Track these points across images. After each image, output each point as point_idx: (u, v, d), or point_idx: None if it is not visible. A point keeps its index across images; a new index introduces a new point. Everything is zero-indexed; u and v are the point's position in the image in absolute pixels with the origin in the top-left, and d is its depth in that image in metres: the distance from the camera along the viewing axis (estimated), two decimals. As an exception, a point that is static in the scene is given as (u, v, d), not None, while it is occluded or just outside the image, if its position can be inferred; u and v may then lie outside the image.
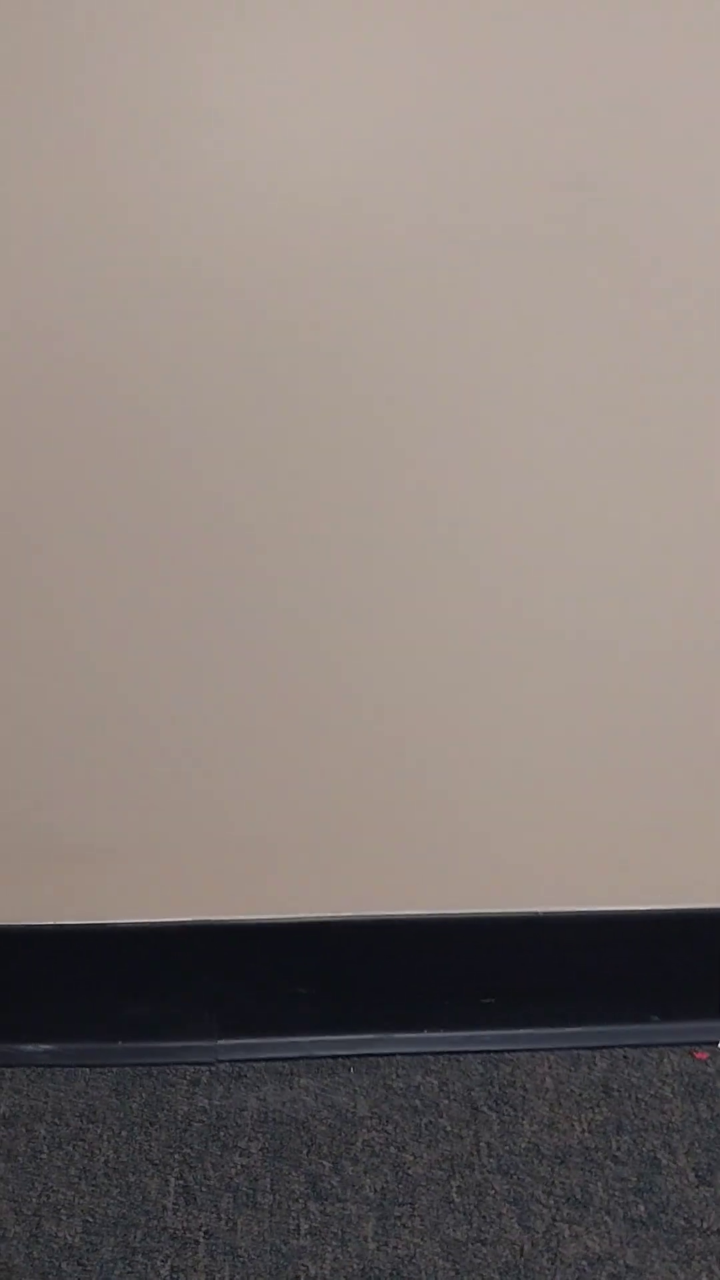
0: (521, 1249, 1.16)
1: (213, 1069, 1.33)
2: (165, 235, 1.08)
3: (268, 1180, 1.21)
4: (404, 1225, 1.17)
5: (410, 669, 1.25)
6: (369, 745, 1.28)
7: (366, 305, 1.11)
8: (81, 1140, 1.24)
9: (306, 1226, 1.17)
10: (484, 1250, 1.16)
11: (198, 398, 1.14)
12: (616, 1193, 1.21)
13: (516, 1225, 1.18)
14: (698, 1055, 1.36)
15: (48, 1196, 1.18)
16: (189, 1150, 1.23)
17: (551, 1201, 1.20)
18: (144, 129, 1.05)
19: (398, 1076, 1.33)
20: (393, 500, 1.18)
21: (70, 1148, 1.23)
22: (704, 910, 1.36)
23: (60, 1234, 1.16)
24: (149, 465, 1.16)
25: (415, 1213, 1.18)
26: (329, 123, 1.07)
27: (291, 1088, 1.32)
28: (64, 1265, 1.13)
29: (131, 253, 1.08)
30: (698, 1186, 1.21)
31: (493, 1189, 1.21)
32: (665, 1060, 1.36)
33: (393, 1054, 1.36)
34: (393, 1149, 1.24)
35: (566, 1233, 1.17)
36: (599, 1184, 1.22)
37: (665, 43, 1.04)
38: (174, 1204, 1.18)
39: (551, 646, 1.26)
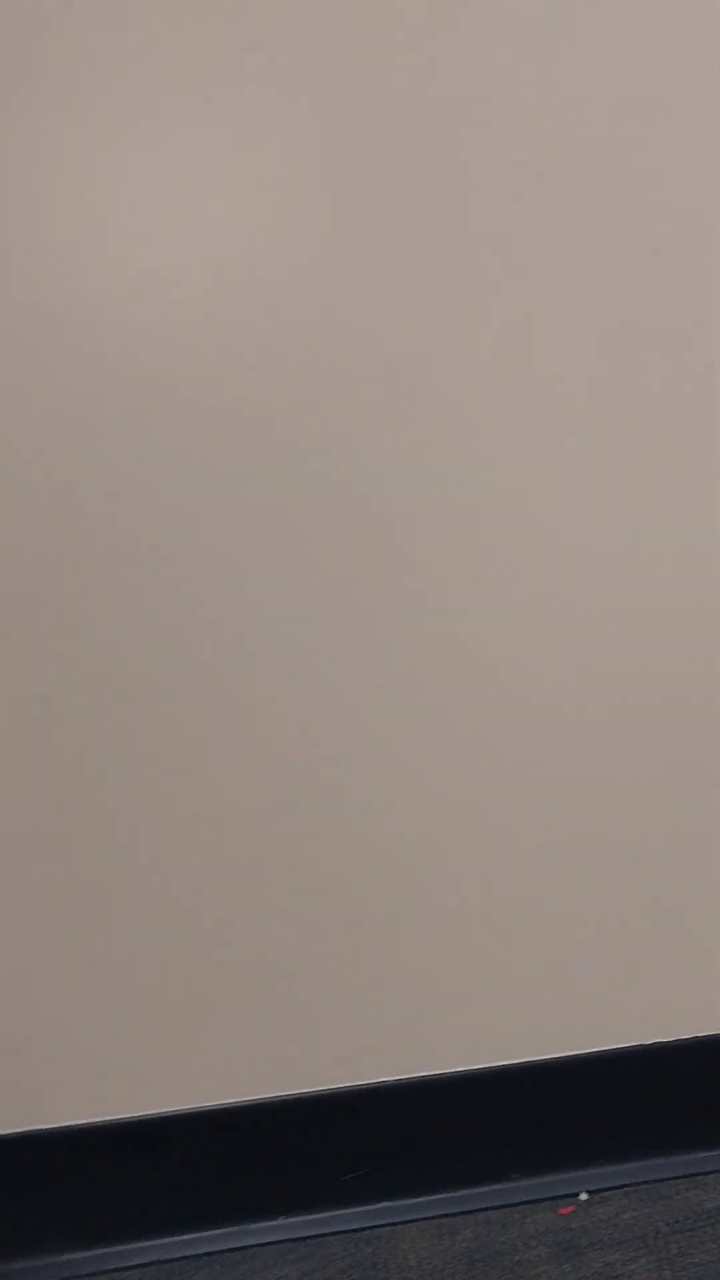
0: None
1: (59, 1288, 1.26)
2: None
3: None
4: None
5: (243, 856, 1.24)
6: (181, 934, 1.25)
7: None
8: None
9: None
10: None
11: None
12: None
13: None
14: (562, 1211, 1.33)
15: None
16: None
17: None
18: None
19: (255, 1273, 1.27)
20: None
21: None
22: (556, 1060, 1.34)
23: None
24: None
25: None
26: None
27: (143, 1300, 1.25)
28: None
29: None
30: None
31: None
32: (529, 1220, 1.32)
33: (251, 1246, 1.30)
34: None
35: None
36: None
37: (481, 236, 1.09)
38: None
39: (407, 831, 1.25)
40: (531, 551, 1.22)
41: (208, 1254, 1.29)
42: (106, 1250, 1.28)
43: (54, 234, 1.07)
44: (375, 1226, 1.32)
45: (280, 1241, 1.30)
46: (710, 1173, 1.37)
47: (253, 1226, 1.31)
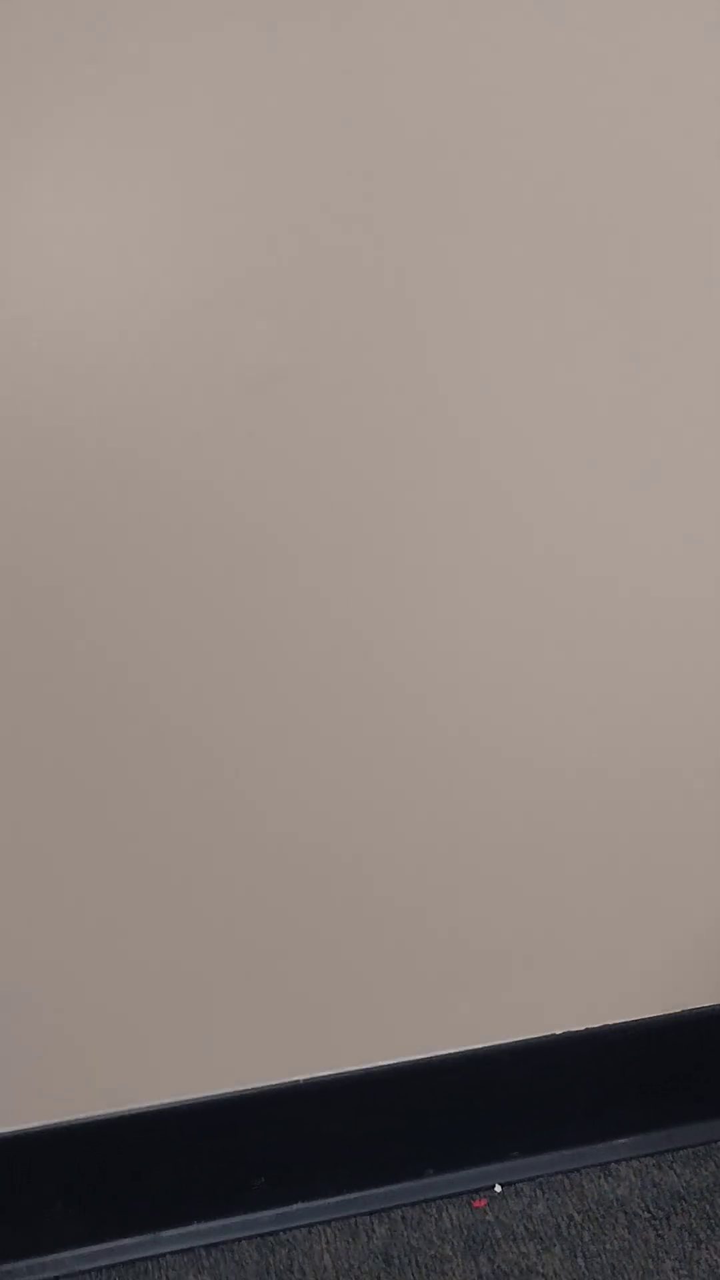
0: None
1: (-37, 1307, 1.22)
2: None
3: None
4: None
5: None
6: (61, 950, 1.22)
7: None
8: None
9: None
10: None
11: None
12: None
13: None
14: (476, 1204, 1.33)
15: None
16: None
17: None
18: None
19: (167, 1281, 1.25)
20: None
21: None
22: (462, 1054, 1.34)
23: None
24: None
25: None
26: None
27: (51, 1314, 1.21)
28: None
29: None
30: None
31: None
32: (444, 1215, 1.32)
33: (162, 1254, 1.28)
34: None
35: None
36: None
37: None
38: None
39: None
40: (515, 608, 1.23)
41: (119, 1263, 1.26)
42: (16, 1264, 1.24)
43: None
44: (288, 1229, 1.30)
45: (191, 1249, 1.28)
46: (619, 1161, 1.38)
47: (164, 1234, 1.29)
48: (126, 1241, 1.28)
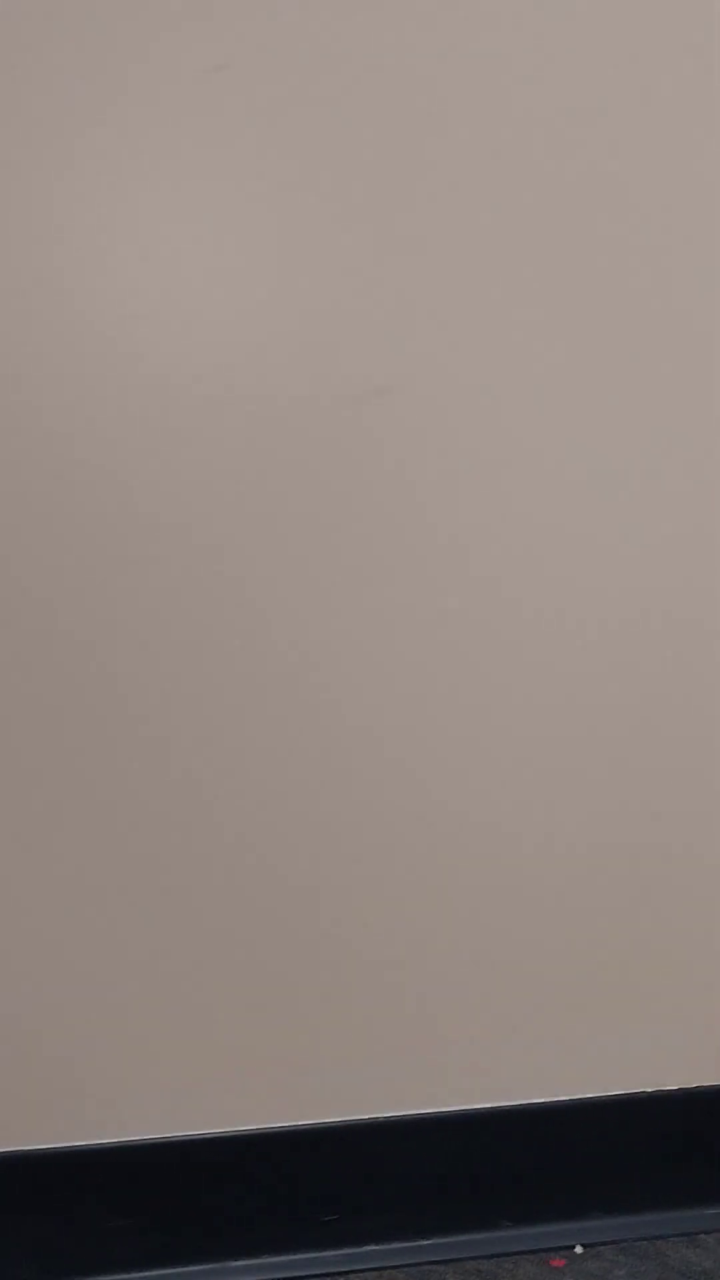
0: None
1: (25, 1321, 1.20)
2: None
3: None
4: None
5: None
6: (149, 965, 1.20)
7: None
8: None
9: None
10: None
11: None
12: None
13: None
14: (553, 1263, 1.28)
15: None
16: None
17: None
18: None
19: (231, 1313, 1.22)
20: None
21: None
22: (554, 1104, 1.29)
23: None
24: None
25: None
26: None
27: (112, 1337, 1.19)
28: None
29: None
30: None
31: None
32: (520, 1271, 1.27)
33: (227, 1285, 1.25)
34: None
35: None
36: None
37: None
38: None
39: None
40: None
41: (182, 1291, 1.23)
42: (77, 1283, 1.23)
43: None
44: (358, 1270, 1.27)
45: (258, 1281, 1.25)
46: (707, 1232, 1.32)
47: (231, 1264, 1.26)
48: (193, 1268, 1.25)
